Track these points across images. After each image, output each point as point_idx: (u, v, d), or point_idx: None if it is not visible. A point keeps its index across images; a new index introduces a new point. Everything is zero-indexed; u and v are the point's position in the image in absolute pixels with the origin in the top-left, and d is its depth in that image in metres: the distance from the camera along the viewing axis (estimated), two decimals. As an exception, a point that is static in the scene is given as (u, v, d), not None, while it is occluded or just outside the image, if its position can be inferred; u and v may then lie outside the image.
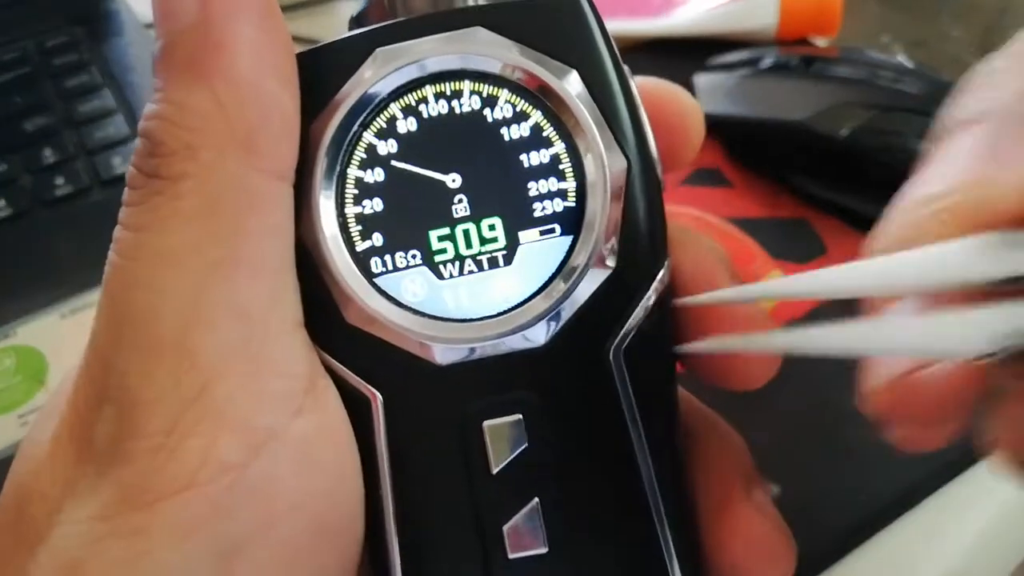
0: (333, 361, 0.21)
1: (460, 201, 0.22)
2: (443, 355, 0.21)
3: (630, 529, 0.21)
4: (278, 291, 0.20)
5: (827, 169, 0.45)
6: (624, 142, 0.22)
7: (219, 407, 0.19)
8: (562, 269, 0.22)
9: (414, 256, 0.22)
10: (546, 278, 0.22)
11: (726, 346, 0.21)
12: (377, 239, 0.22)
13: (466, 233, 0.22)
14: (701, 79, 0.52)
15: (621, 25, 0.59)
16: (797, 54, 0.49)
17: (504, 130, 0.22)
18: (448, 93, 0.22)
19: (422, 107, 0.22)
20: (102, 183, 0.50)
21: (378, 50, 0.22)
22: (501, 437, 0.21)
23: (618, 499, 0.21)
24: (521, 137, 0.22)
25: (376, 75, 0.22)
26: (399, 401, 0.21)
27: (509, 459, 0.21)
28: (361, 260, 0.22)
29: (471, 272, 0.22)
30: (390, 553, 0.21)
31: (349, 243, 0.22)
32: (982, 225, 0.15)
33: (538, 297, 0.21)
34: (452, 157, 0.22)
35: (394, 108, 0.22)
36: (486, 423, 0.21)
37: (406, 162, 0.22)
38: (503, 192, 0.22)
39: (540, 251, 0.22)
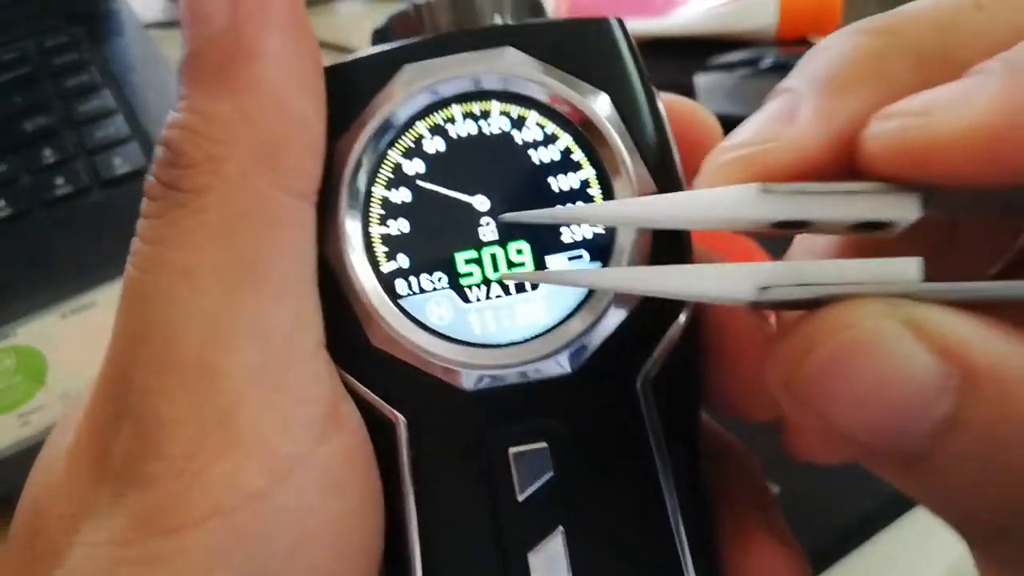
0: (356, 383, 0.21)
1: (487, 224, 0.21)
2: (469, 380, 0.21)
3: (653, 558, 0.21)
4: (300, 313, 0.20)
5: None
6: (653, 166, 0.21)
7: (243, 433, 0.18)
8: (590, 296, 0.21)
9: (440, 279, 0.21)
10: (574, 305, 0.21)
11: (540, 276, 0.21)
12: (403, 260, 0.21)
13: (493, 257, 0.21)
14: (701, 79, 0.52)
15: (621, 25, 0.59)
16: (797, 54, 0.49)
17: (533, 152, 0.21)
18: (476, 113, 0.21)
19: (449, 127, 0.21)
20: (102, 183, 0.49)
21: (405, 67, 0.21)
22: (527, 464, 0.21)
23: (642, 528, 0.21)
24: (550, 160, 0.21)
25: (404, 93, 0.21)
26: (423, 425, 0.21)
27: (535, 487, 0.21)
28: (386, 281, 0.21)
29: (498, 297, 0.21)
30: None
31: (374, 264, 0.21)
32: (759, 175, 0.17)
33: (566, 324, 0.21)
34: (480, 179, 0.21)
35: (421, 127, 0.21)
36: (512, 450, 0.21)
37: (433, 183, 0.21)
38: None
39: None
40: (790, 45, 0.55)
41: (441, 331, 0.21)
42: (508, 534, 0.21)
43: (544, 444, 0.21)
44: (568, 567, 0.20)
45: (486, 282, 0.21)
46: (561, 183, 0.21)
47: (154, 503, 0.18)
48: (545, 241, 0.21)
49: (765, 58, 0.50)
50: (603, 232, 0.21)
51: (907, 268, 0.16)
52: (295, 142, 0.19)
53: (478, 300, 0.21)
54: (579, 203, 0.21)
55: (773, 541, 0.22)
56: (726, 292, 0.16)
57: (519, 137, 0.21)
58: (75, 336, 0.44)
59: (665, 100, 0.23)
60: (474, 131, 0.22)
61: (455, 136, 0.21)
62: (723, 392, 0.23)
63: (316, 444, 0.19)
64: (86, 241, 0.47)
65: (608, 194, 0.21)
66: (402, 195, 0.21)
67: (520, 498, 0.21)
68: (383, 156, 0.21)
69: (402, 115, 0.21)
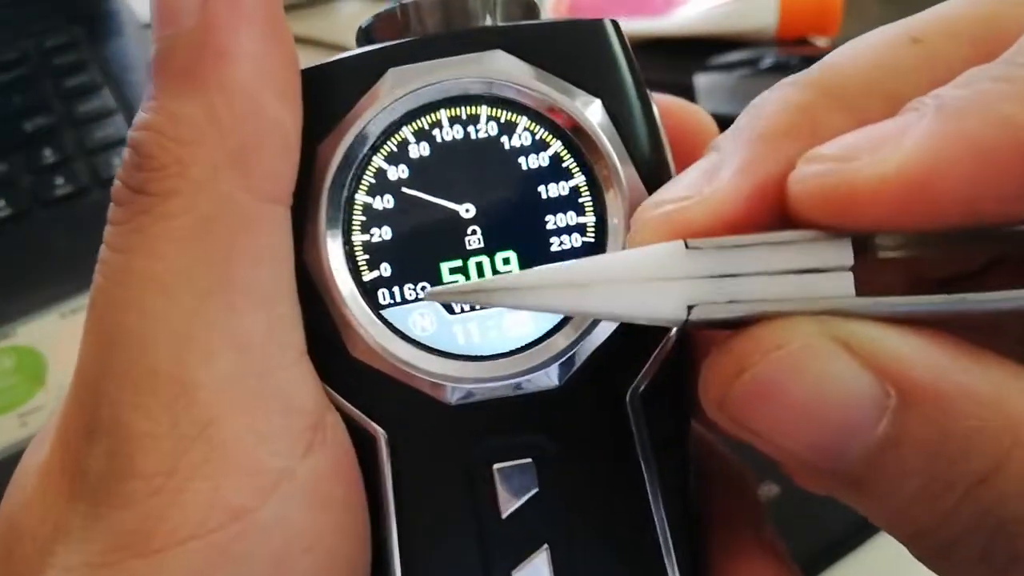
0: (336, 395, 0.20)
1: (473, 232, 0.20)
2: (452, 394, 0.20)
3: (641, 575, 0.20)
4: (277, 320, 0.19)
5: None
6: (646, 175, 0.21)
7: (224, 447, 0.17)
8: None
9: (424, 288, 0.20)
10: (561, 317, 0.20)
11: (452, 294, 0.18)
12: (385, 269, 0.20)
13: (479, 266, 0.20)
14: (701, 79, 0.51)
15: (621, 25, 0.59)
16: (797, 54, 0.49)
17: (522, 159, 0.21)
18: (464, 118, 0.21)
19: (436, 132, 0.21)
20: (102, 183, 0.49)
21: (391, 70, 0.20)
22: (512, 480, 0.20)
23: (630, 545, 0.20)
24: (539, 167, 0.21)
25: (388, 96, 0.20)
26: (405, 440, 0.20)
27: (520, 503, 0.20)
28: (368, 291, 0.20)
29: (483, 308, 0.20)
30: None
31: (355, 272, 0.20)
32: (682, 233, 0.16)
33: (553, 337, 0.20)
34: (466, 186, 0.20)
35: (406, 132, 0.21)
36: (496, 466, 0.20)
37: (418, 189, 0.21)
38: (519, 224, 0.20)
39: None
40: (790, 45, 0.55)
41: (424, 342, 0.20)
42: (492, 552, 0.20)
43: (529, 459, 0.20)
44: None
45: None
46: (550, 191, 0.21)
47: (131, 524, 0.17)
48: (533, 250, 0.20)
49: (765, 58, 0.50)
50: (592, 241, 0.21)
51: (840, 283, 0.15)
52: (268, 144, 0.19)
53: (463, 311, 0.20)
54: (506, 273, 0.20)
55: (765, 556, 0.22)
56: (653, 312, 0.16)
57: (508, 143, 0.21)
58: (75, 336, 0.43)
59: (660, 101, 0.23)
60: (460, 136, 0.21)
61: (441, 141, 0.21)
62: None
63: (302, 457, 0.18)
64: (86, 241, 0.47)
65: (598, 203, 0.21)
66: (385, 202, 0.21)
67: (504, 515, 0.20)
68: (366, 161, 0.21)
69: (386, 119, 0.20)
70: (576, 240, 0.21)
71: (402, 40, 0.21)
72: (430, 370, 0.20)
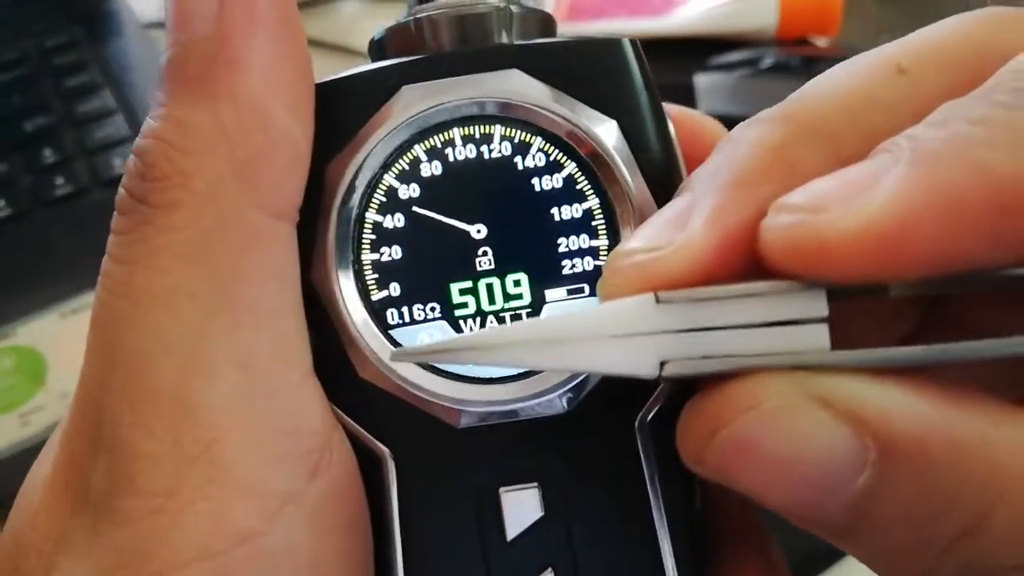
0: (342, 415, 0.20)
1: (484, 253, 0.20)
2: (460, 417, 0.20)
3: None
4: (282, 338, 0.18)
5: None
6: (661, 198, 0.20)
7: (227, 468, 0.17)
8: None
9: (433, 309, 0.20)
10: None
11: (420, 354, 0.18)
12: (394, 289, 0.20)
13: (489, 288, 0.20)
14: (701, 79, 0.51)
15: (621, 25, 0.58)
16: (797, 54, 0.49)
17: (535, 180, 0.20)
18: (477, 137, 0.20)
19: (448, 151, 0.20)
20: (102, 183, 0.48)
21: (405, 87, 0.20)
22: (518, 505, 0.20)
23: (635, 571, 0.20)
24: (553, 189, 0.20)
25: (402, 115, 0.20)
26: (413, 462, 0.20)
27: (525, 527, 0.20)
28: (376, 310, 0.20)
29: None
30: None
31: (364, 292, 0.20)
32: (652, 285, 0.16)
33: None
34: (478, 206, 0.20)
35: (418, 150, 0.20)
36: (503, 490, 0.20)
37: (429, 209, 0.20)
38: (531, 246, 0.20)
39: (567, 311, 0.20)
40: (790, 45, 0.55)
41: (433, 364, 0.20)
42: (497, 575, 0.20)
43: (535, 484, 0.20)
44: None
45: (481, 314, 0.20)
46: (563, 213, 0.20)
47: (131, 543, 0.16)
48: (544, 273, 0.20)
49: (765, 58, 0.50)
50: (604, 264, 0.20)
51: (814, 335, 0.15)
52: (276, 158, 0.18)
53: (472, 331, 0.20)
54: (487, 327, 0.20)
55: None
56: (626, 368, 0.16)
57: (521, 163, 0.20)
58: (75, 336, 0.43)
59: (673, 113, 0.22)
60: (473, 156, 0.20)
61: (453, 160, 0.20)
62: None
63: (308, 479, 0.18)
64: (86, 241, 0.46)
65: (611, 226, 0.20)
66: (396, 221, 0.20)
67: (510, 538, 0.20)
68: (377, 179, 0.20)
69: (399, 138, 0.20)
70: (588, 263, 0.20)
71: (417, 56, 0.21)
72: (439, 392, 0.20)
